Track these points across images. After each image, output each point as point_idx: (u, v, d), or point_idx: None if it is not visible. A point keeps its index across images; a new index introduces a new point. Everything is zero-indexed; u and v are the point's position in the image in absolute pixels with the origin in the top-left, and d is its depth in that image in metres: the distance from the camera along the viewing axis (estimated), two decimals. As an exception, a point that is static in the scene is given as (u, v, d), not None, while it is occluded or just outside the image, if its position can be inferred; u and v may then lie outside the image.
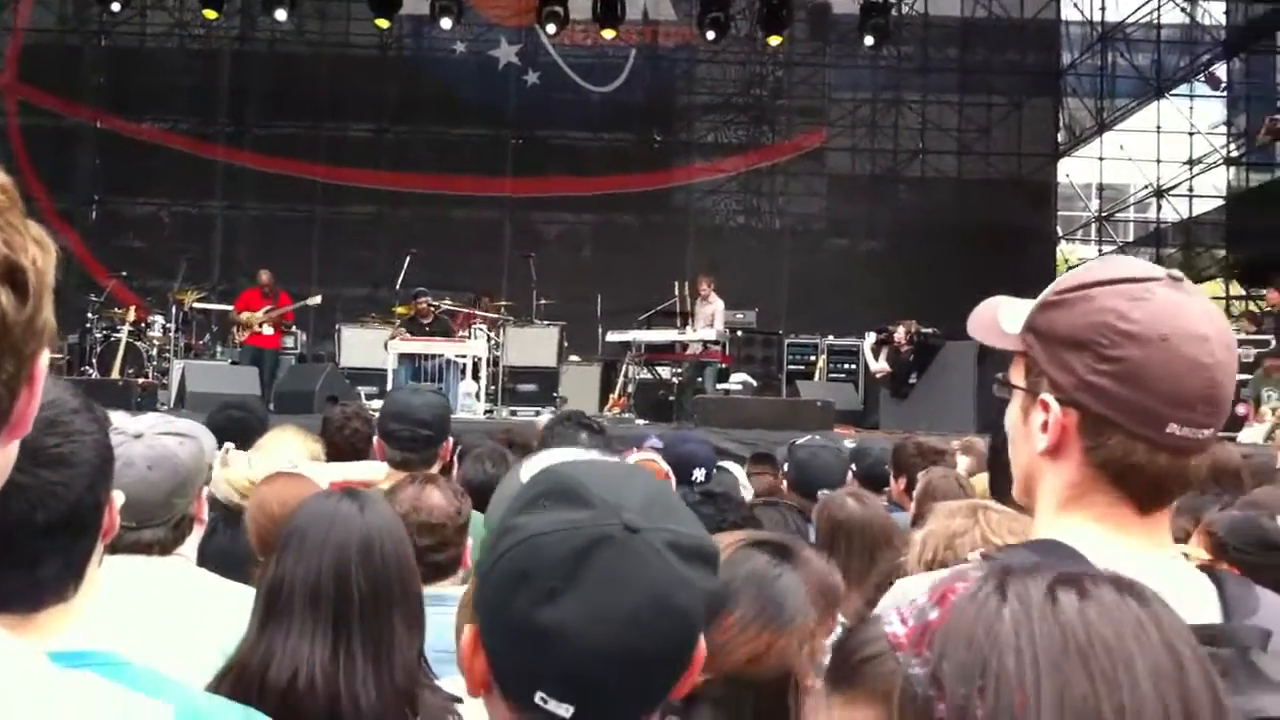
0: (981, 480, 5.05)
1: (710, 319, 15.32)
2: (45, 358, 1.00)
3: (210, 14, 19.53)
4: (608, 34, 20.00)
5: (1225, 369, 1.46)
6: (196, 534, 2.76)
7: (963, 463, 6.62)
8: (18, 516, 1.59)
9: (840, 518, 4.04)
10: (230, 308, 16.27)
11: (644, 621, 1.19)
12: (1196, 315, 1.46)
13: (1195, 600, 1.44)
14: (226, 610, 2.49)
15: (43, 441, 1.61)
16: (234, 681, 2.20)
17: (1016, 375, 1.59)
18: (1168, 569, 1.48)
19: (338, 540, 2.32)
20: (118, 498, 1.78)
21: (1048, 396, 1.51)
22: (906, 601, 1.05)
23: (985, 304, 1.66)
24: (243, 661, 2.26)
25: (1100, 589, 0.93)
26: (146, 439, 2.58)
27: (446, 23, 19.72)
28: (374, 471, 4.20)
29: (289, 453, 4.32)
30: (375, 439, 4.52)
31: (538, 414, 14.42)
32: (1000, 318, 1.60)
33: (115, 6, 19.41)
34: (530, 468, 1.50)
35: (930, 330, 15.09)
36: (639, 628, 1.19)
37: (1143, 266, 1.53)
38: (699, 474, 5.31)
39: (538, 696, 1.21)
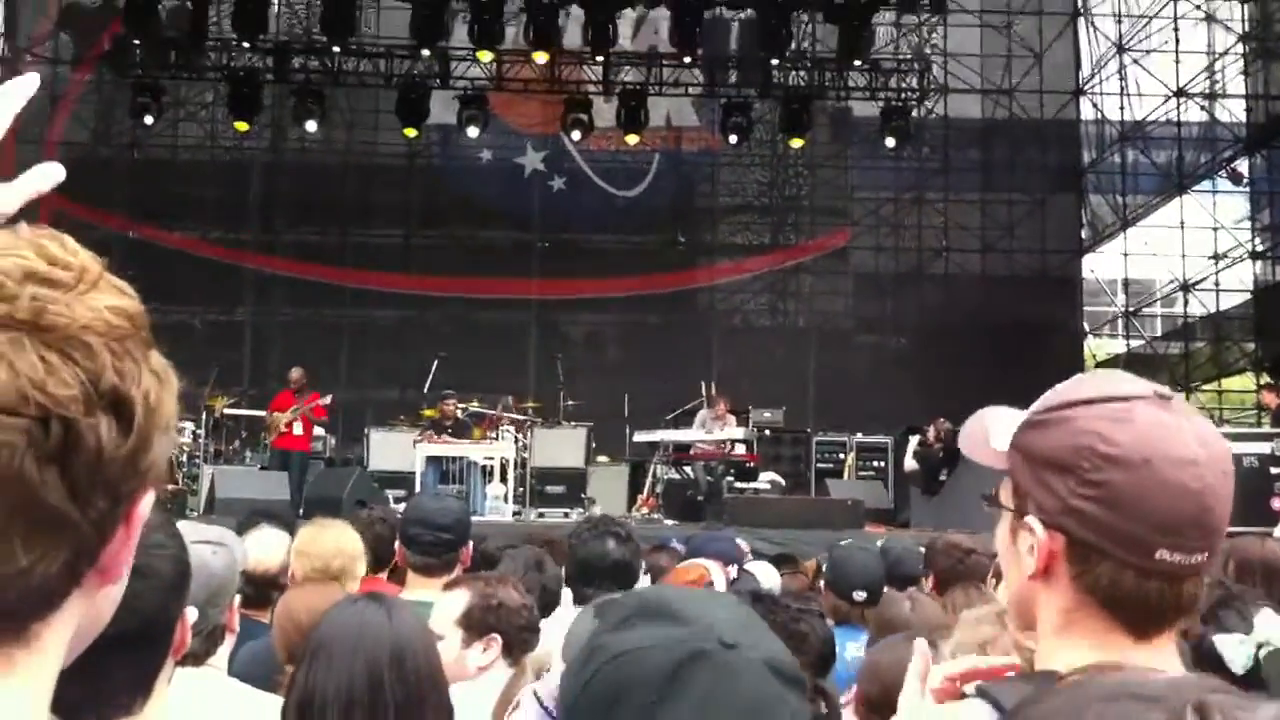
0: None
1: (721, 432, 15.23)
2: (149, 500, 0.95)
3: (241, 126, 19.97)
4: (631, 140, 20.31)
5: (1216, 492, 1.40)
6: (228, 644, 2.74)
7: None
8: None
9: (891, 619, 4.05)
10: (262, 413, 16.31)
11: None
12: (1184, 437, 1.40)
13: None
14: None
15: None
16: None
17: (1005, 494, 1.53)
18: None
19: (369, 649, 2.30)
20: (190, 614, 1.78)
21: (1033, 520, 1.45)
22: None
23: (976, 416, 1.60)
24: None
25: None
26: None
27: (473, 131, 20.06)
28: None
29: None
30: (396, 544, 4.54)
31: (566, 515, 14.41)
32: (990, 433, 1.54)
33: (148, 120, 19.82)
34: (593, 609, 1.47)
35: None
36: None
37: (1128, 384, 1.47)
38: (731, 572, 5.29)
39: None
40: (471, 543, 4.52)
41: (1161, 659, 1.46)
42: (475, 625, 3.19)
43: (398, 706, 2.27)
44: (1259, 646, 2.48)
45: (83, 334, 0.91)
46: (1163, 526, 1.39)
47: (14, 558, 0.87)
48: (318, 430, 16.86)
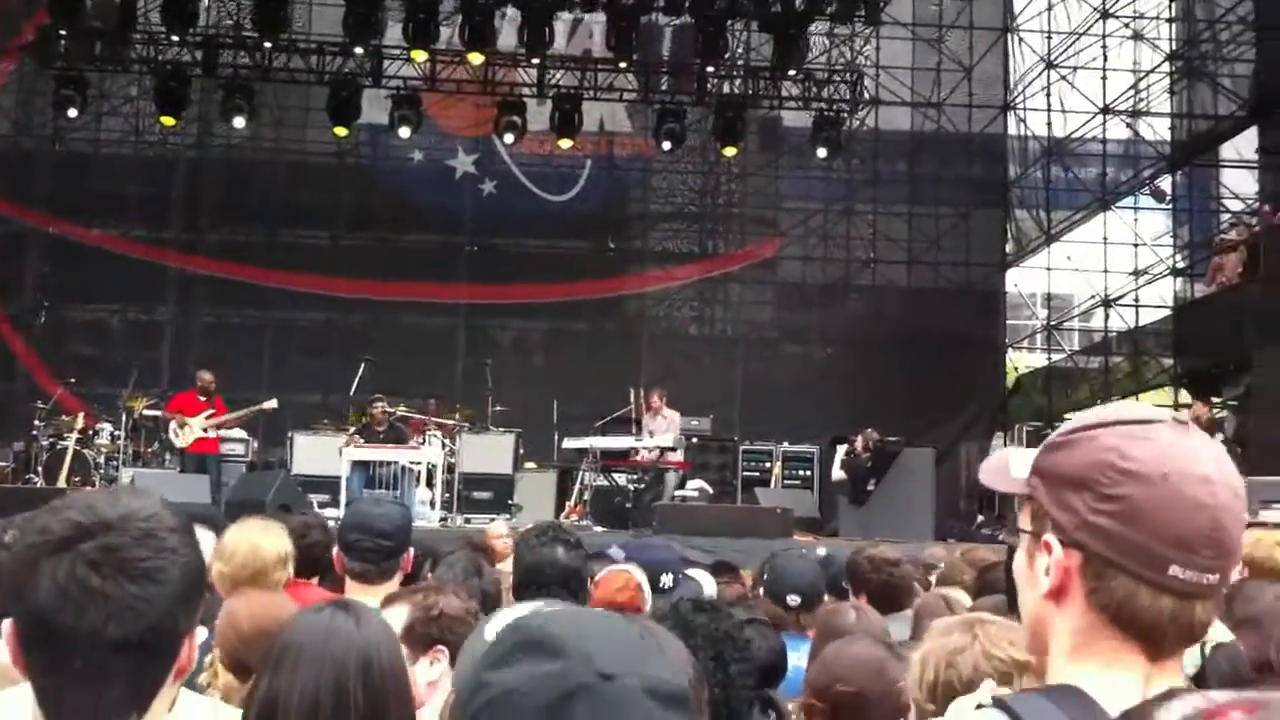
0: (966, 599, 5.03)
1: (670, 430, 15.26)
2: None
3: (168, 121, 19.61)
4: (564, 144, 20.24)
5: (1230, 512, 1.43)
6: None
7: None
8: (90, 626, 1.52)
9: (837, 627, 4.01)
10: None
11: None
12: (1200, 456, 1.45)
13: None
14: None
15: (134, 553, 1.55)
16: None
17: (1024, 519, 1.56)
18: None
19: (335, 656, 2.24)
20: (199, 634, 1.69)
21: (1050, 538, 1.48)
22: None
23: (998, 453, 1.65)
24: None
25: None
26: None
27: (405, 132, 19.87)
28: None
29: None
30: (335, 550, 4.45)
31: (492, 521, 14.29)
32: (1010, 463, 1.58)
33: (72, 113, 19.38)
34: (495, 625, 1.45)
35: (890, 438, 15.17)
36: None
37: (1147, 410, 1.52)
38: (666, 580, 5.26)
39: None
40: (412, 549, 4.44)
41: (1173, 680, 1.46)
42: (418, 639, 3.11)
43: (363, 716, 2.21)
44: (1202, 645, 2.52)
45: None
46: (1177, 542, 1.41)
47: None
48: (238, 432, 16.63)
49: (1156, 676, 1.45)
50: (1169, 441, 1.45)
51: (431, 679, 3.07)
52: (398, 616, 3.15)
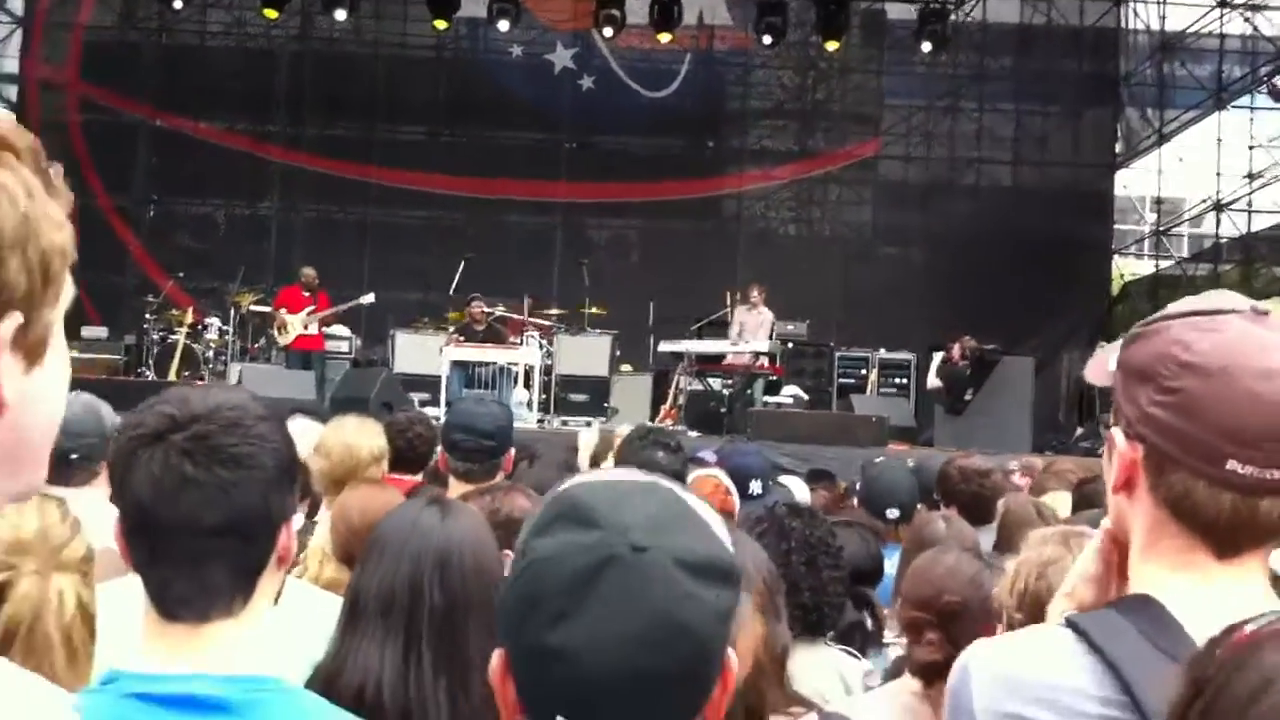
0: (1062, 501, 4.99)
1: (760, 329, 15.22)
2: (8, 323, 0.93)
3: (270, 13, 19.64)
4: (663, 38, 19.95)
5: None
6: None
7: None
8: (186, 513, 1.60)
9: (928, 537, 4.04)
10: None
11: (653, 641, 1.18)
12: (1269, 349, 1.40)
13: None
14: (315, 620, 2.51)
15: (221, 440, 1.63)
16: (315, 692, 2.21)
17: (1115, 412, 1.54)
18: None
19: (414, 551, 2.31)
20: (296, 521, 1.77)
21: (1115, 431, 1.49)
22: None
23: (1103, 349, 1.64)
24: (322, 672, 2.27)
25: None
26: None
27: (504, 25, 19.75)
28: None
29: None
30: (439, 449, 4.55)
31: (588, 424, 14.46)
32: (1108, 358, 1.57)
33: (177, 4, 19.56)
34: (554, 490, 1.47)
35: (989, 347, 14.95)
36: (648, 648, 1.18)
37: (1229, 299, 1.48)
38: (755, 486, 5.30)
39: None
40: (514, 449, 4.53)
41: (1246, 581, 1.44)
42: None
43: (437, 611, 2.27)
44: None
45: None
46: (1235, 436, 1.38)
47: None
48: (342, 330, 16.90)
49: (1227, 578, 1.43)
50: (1237, 333, 1.41)
51: None
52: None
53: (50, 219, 0.95)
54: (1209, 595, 1.41)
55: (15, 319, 0.93)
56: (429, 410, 10.94)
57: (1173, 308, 1.50)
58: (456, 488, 4.28)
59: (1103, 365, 1.58)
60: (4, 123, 0.97)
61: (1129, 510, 1.49)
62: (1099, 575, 1.57)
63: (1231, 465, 1.38)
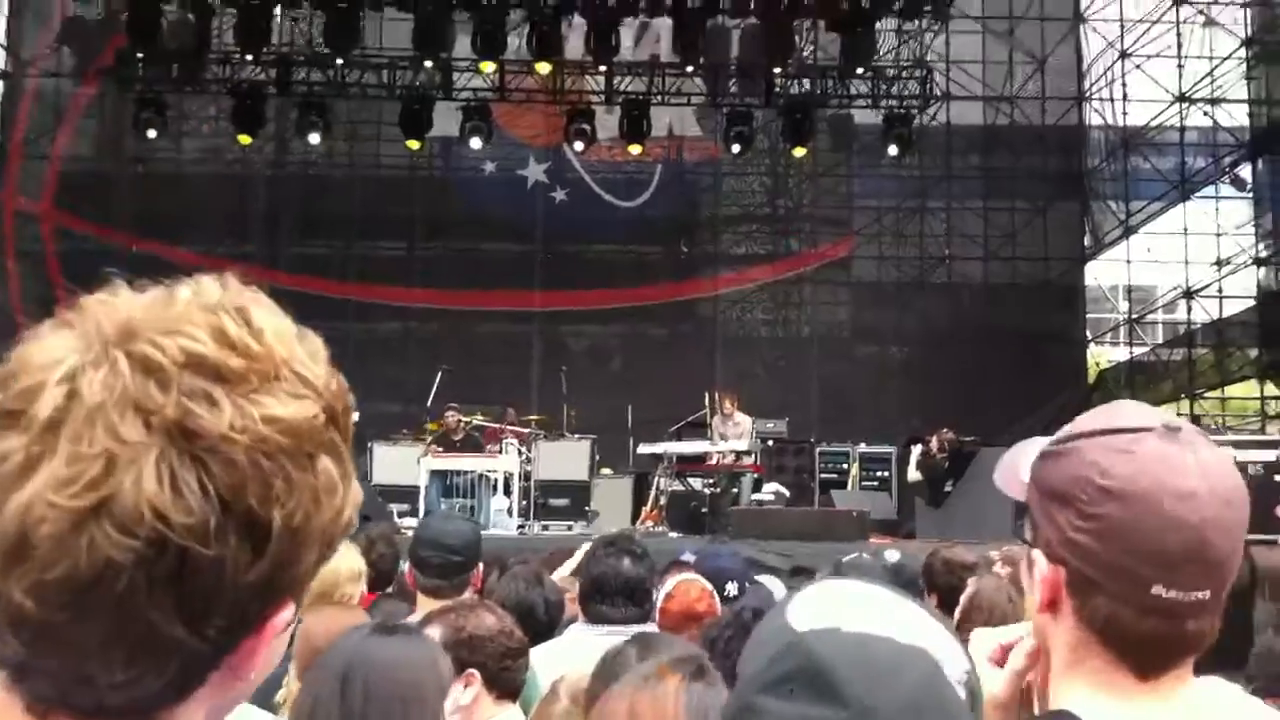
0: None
1: (741, 438, 15.22)
2: (289, 611, 0.91)
3: (244, 139, 19.92)
4: (634, 150, 20.26)
5: (1217, 525, 1.37)
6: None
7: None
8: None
9: None
10: None
11: None
12: (1186, 469, 1.38)
13: None
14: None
15: None
16: None
17: (1029, 526, 1.52)
18: None
19: (333, 668, 2.32)
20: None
21: (1036, 553, 1.47)
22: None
23: (1014, 449, 1.60)
24: None
25: None
26: None
27: (476, 143, 20.04)
28: None
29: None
30: (406, 566, 4.53)
31: (569, 528, 14.39)
32: (1020, 466, 1.54)
33: (152, 134, 19.79)
34: (800, 608, 1.21)
35: (966, 439, 15.01)
36: None
37: (1139, 415, 1.45)
38: (731, 589, 5.25)
39: None
40: (482, 564, 4.51)
41: (1169, 700, 1.43)
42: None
43: None
44: None
45: (227, 447, 0.84)
46: (1159, 561, 1.37)
47: (112, 672, 0.83)
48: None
49: (1147, 700, 1.42)
50: (1153, 455, 1.39)
51: (464, 703, 3.01)
52: (432, 637, 3.18)
53: (352, 501, 0.94)
54: (1131, 716, 1.41)
55: (291, 609, 0.92)
56: (407, 521, 10.89)
57: (1083, 423, 1.47)
58: (425, 604, 4.24)
59: (1014, 474, 1.55)
60: (337, 382, 0.93)
61: (1052, 628, 1.47)
62: (1007, 701, 1.54)
63: (1156, 590, 1.37)
